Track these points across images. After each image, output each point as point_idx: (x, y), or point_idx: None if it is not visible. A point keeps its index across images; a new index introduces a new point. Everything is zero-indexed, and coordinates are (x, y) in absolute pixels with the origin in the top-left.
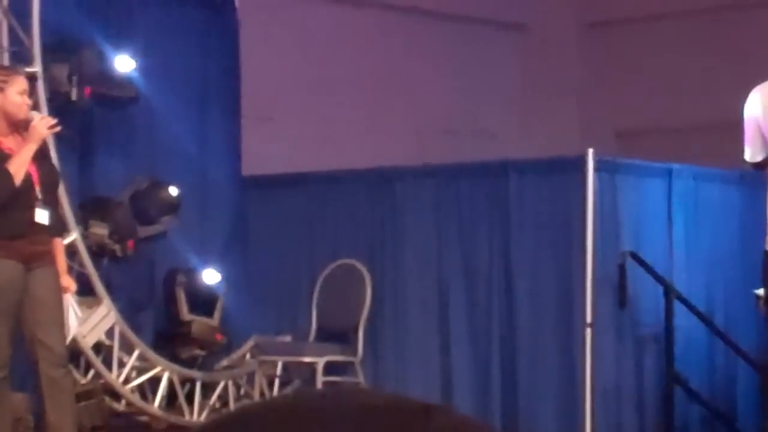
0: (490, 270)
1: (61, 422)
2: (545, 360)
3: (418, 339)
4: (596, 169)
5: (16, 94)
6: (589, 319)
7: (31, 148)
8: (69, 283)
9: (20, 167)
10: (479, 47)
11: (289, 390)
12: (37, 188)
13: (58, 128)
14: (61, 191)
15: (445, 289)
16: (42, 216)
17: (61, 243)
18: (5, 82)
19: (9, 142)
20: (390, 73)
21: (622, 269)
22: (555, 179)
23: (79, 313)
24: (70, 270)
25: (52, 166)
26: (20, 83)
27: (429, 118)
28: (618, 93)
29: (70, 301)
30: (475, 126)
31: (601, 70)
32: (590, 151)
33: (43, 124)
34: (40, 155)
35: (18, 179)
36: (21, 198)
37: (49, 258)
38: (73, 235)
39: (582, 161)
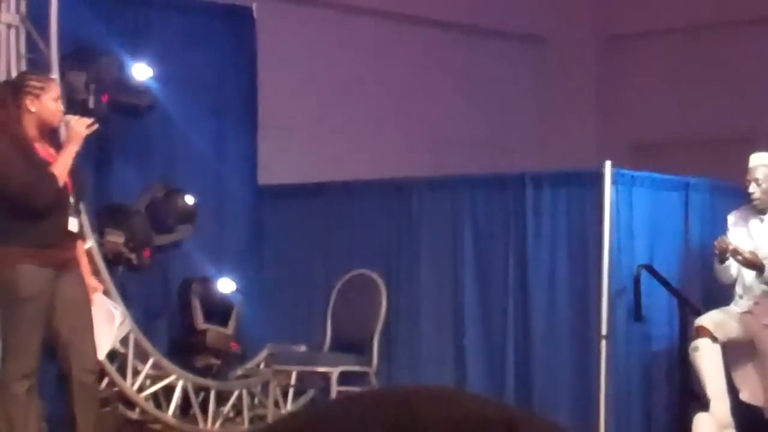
0: (505, 282)
1: (89, 429)
2: (560, 372)
3: (432, 350)
4: (613, 182)
5: (51, 101)
6: (604, 331)
7: (72, 150)
8: (96, 283)
9: (63, 170)
10: (497, 59)
11: (305, 399)
12: (72, 195)
13: (95, 127)
14: None
15: (460, 300)
16: (74, 224)
17: (83, 245)
18: (41, 89)
19: (39, 149)
20: (407, 85)
21: (637, 282)
22: (572, 192)
23: (117, 311)
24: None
25: (82, 172)
26: (55, 90)
27: (446, 130)
28: (634, 106)
29: (105, 301)
30: (492, 138)
31: (618, 84)
32: (608, 163)
33: (81, 124)
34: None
35: (61, 182)
36: (57, 205)
37: (75, 263)
38: (89, 243)
39: (599, 174)
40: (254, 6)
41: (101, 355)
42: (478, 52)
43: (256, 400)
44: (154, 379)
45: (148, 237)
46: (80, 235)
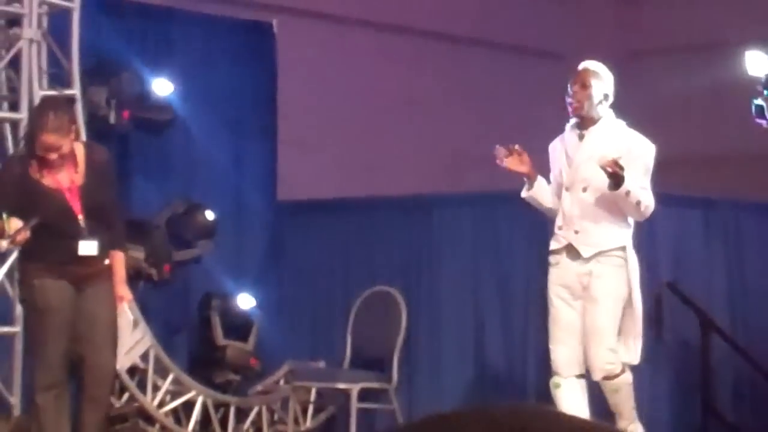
0: (526, 298)
1: None
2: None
3: (453, 367)
4: None
5: (41, 149)
6: None
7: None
8: (125, 292)
9: None
10: (516, 76)
11: (324, 416)
12: (81, 219)
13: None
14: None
15: (481, 317)
16: (88, 248)
17: (120, 255)
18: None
19: (58, 170)
20: (427, 100)
21: (658, 300)
22: None
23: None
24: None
25: (104, 187)
26: (46, 138)
27: (466, 146)
28: (653, 123)
29: (125, 311)
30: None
31: (638, 100)
32: None
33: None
34: (92, 178)
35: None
36: (63, 229)
37: (100, 277)
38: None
39: None
40: (275, 22)
41: (123, 365)
42: (498, 68)
43: (276, 417)
44: (174, 395)
45: (169, 252)
46: (118, 244)
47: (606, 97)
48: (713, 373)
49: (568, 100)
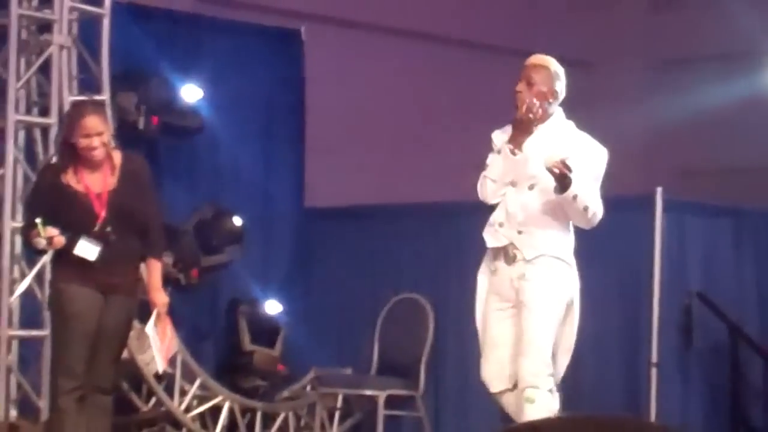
0: None
1: None
2: (610, 399)
3: (480, 374)
4: (664, 209)
5: (80, 138)
6: (654, 358)
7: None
8: (159, 298)
9: (34, 244)
10: None
11: (351, 423)
12: (99, 224)
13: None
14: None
15: None
16: (86, 250)
17: (155, 263)
18: (71, 126)
19: (92, 175)
20: (455, 107)
21: (688, 309)
22: (622, 217)
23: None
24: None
25: (139, 192)
26: (83, 127)
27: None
28: (684, 132)
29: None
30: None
31: (667, 109)
32: (659, 190)
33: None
34: (126, 183)
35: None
36: (83, 232)
37: (124, 288)
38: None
39: (650, 200)
40: (303, 29)
41: (158, 369)
42: None
43: (302, 423)
44: (201, 400)
45: (196, 258)
46: (155, 252)
47: (555, 94)
48: (743, 382)
49: (517, 90)
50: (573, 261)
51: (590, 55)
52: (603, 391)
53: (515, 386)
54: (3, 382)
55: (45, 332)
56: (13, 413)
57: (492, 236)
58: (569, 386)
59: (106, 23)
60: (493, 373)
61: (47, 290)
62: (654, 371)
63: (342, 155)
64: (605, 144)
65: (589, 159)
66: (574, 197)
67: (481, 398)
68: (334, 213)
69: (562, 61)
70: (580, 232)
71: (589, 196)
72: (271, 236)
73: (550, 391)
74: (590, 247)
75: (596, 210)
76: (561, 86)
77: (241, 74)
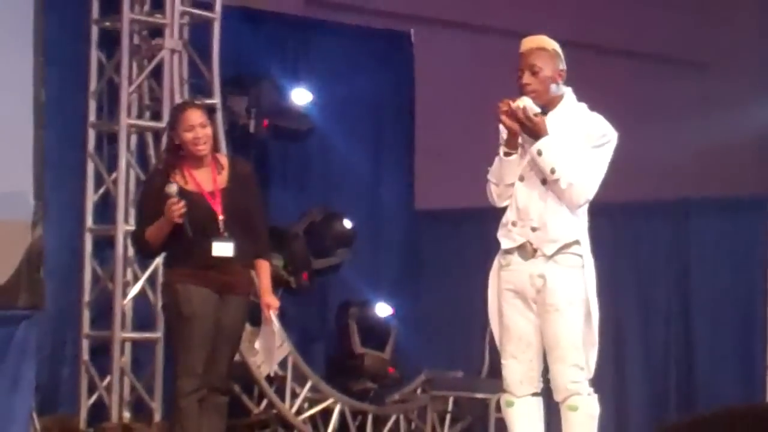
0: (668, 311)
1: None
2: (724, 403)
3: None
4: None
5: (184, 132)
6: None
7: (165, 225)
8: (271, 300)
9: (155, 237)
10: (659, 85)
11: (462, 426)
12: (221, 221)
13: (182, 211)
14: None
15: (621, 330)
16: (222, 249)
17: (265, 264)
18: (175, 122)
19: (200, 175)
20: None
21: None
22: (737, 219)
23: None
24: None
25: (250, 196)
26: (189, 118)
27: None
28: None
29: (273, 320)
30: (653, 164)
31: None
32: None
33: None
34: (237, 185)
35: (154, 246)
36: (204, 232)
37: (240, 288)
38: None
39: (765, 202)
40: (412, 31)
41: (269, 371)
42: (641, 78)
43: (413, 426)
44: (312, 402)
45: (307, 260)
46: (264, 255)
47: (561, 74)
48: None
49: (522, 81)
50: (588, 246)
51: (704, 56)
52: (717, 395)
53: (537, 393)
54: (117, 384)
55: (158, 334)
56: (127, 415)
57: (506, 237)
58: (682, 390)
59: (216, 27)
60: (522, 374)
61: (160, 293)
62: None
63: (452, 158)
64: (720, 145)
65: (591, 132)
66: (539, 152)
67: None
68: (445, 215)
69: (675, 62)
70: (694, 235)
71: (564, 161)
72: (381, 238)
73: (589, 394)
74: (704, 248)
75: (570, 179)
76: (563, 63)
77: (351, 77)
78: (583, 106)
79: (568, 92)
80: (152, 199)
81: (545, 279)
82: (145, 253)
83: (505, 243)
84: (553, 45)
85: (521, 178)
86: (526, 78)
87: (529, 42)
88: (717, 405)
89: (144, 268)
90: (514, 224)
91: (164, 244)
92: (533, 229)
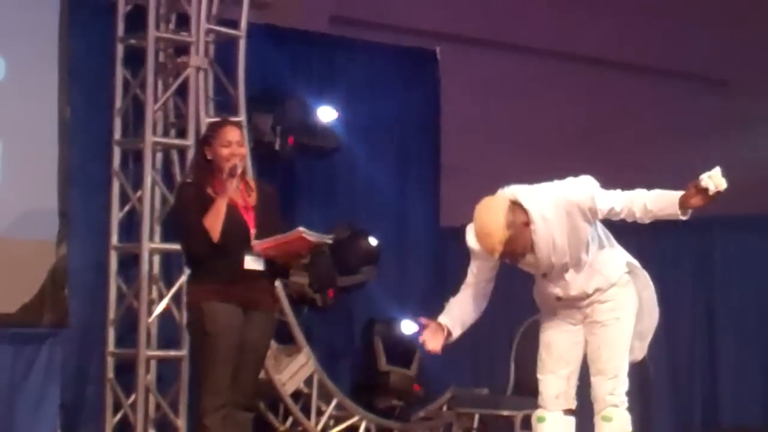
0: (693, 329)
1: None
2: (750, 421)
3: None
4: None
5: (220, 147)
6: None
7: (220, 203)
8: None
9: (213, 221)
10: (679, 102)
11: None
12: (253, 235)
13: (237, 171)
14: None
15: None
16: (253, 262)
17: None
18: (212, 136)
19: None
20: (591, 126)
21: None
22: (761, 236)
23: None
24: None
25: (274, 215)
26: (225, 134)
27: (628, 173)
28: None
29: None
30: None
31: None
32: None
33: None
34: (263, 204)
35: (214, 233)
36: (234, 245)
37: (265, 304)
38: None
39: None
40: (438, 49)
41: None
42: (659, 92)
43: None
44: (338, 420)
45: (333, 278)
46: (282, 274)
47: (527, 226)
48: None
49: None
50: (634, 261)
51: (725, 73)
52: (742, 413)
53: (571, 411)
54: (142, 401)
55: (183, 352)
56: None
57: (551, 306)
58: (707, 407)
59: (242, 45)
60: (559, 390)
61: (185, 311)
62: None
63: (477, 175)
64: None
65: (583, 201)
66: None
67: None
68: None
69: (697, 79)
70: (718, 252)
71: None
72: (406, 256)
73: (627, 409)
74: (729, 265)
75: (627, 205)
76: (520, 218)
77: (376, 94)
78: (552, 194)
79: (531, 210)
80: (192, 204)
81: (592, 303)
82: (207, 246)
83: (552, 311)
84: (503, 237)
85: (544, 275)
86: (509, 261)
87: (483, 244)
88: (741, 421)
89: (169, 285)
90: (559, 299)
91: (198, 253)
92: (582, 299)
